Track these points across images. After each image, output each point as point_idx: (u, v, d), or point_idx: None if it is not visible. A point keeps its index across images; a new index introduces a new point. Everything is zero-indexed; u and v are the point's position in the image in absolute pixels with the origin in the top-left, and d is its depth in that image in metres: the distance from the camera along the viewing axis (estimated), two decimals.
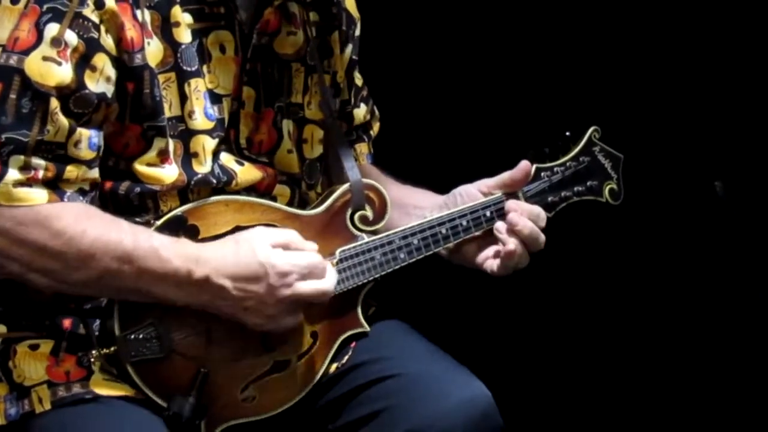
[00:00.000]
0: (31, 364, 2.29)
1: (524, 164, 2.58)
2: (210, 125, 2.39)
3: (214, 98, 2.40)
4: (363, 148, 2.76)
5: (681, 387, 3.85)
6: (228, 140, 2.42)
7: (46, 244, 2.19)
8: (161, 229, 2.30)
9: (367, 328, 2.51)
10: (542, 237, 2.54)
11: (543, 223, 2.56)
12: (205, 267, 2.27)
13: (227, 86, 2.42)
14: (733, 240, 3.76)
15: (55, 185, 2.22)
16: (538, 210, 2.56)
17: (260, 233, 2.34)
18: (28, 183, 2.19)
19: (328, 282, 2.37)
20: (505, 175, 2.59)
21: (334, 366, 2.50)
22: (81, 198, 2.25)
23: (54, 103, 2.20)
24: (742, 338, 3.80)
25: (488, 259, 2.57)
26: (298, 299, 2.33)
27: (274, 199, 2.46)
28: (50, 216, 2.20)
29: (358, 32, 2.68)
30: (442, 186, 2.67)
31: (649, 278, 3.88)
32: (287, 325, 2.35)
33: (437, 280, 3.41)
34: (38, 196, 2.20)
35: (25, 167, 2.19)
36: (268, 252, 2.31)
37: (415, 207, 2.64)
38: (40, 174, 2.20)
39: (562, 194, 2.65)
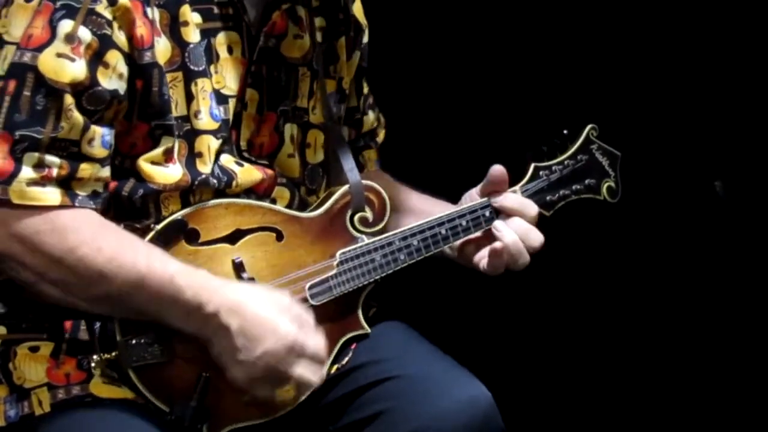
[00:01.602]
0: (32, 366, 2.29)
1: (493, 169, 2.57)
2: (215, 126, 2.39)
3: (221, 99, 2.40)
4: (371, 154, 2.77)
5: (681, 387, 3.86)
6: (229, 141, 2.42)
7: (62, 256, 2.19)
8: (161, 234, 2.30)
9: (367, 329, 2.51)
10: (533, 232, 2.54)
11: (533, 213, 2.55)
12: (218, 301, 2.24)
13: (234, 87, 2.42)
14: (733, 240, 3.76)
15: (68, 185, 2.21)
16: (526, 202, 2.57)
17: (286, 296, 2.33)
18: (42, 182, 2.19)
19: (317, 377, 2.32)
20: (484, 182, 2.59)
21: (334, 367, 2.50)
22: (92, 203, 2.24)
23: (68, 99, 2.19)
24: (742, 338, 3.80)
25: (483, 259, 2.57)
26: (288, 375, 2.28)
27: (273, 201, 2.46)
28: (67, 227, 2.19)
29: (366, 40, 2.68)
30: (441, 184, 2.67)
31: (648, 278, 3.89)
32: (259, 392, 2.30)
33: (438, 281, 3.42)
34: (51, 196, 2.19)
35: (39, 165, 2.18)
36: (286, 321, 2.28)
37: (429, 214, 2.60)
38: (54, 172, 2.19)
39: (561, 193, 2.65)
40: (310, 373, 2.31)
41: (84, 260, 2.19)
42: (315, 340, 2.31)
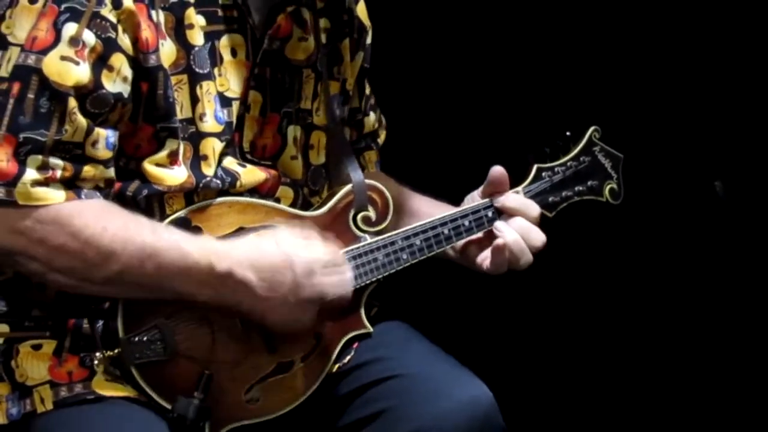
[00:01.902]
0: (34, 364, 2.29)
1: (493, 170, 2.57)
2: (219, 128, 2.39)
3: (225, 101, 2.40)
4: (372, 156, 2.78)
5: (681, 387, 3.86)
6: (232, 143, 2.42)
7: (66, 243, 2.19)
8: None
9: (370, 329, 2.51)
10: (535, 232, 2.54)
11: (535, 213, 2.56)
12: (228, 260, 2.26)
13: (237, 90, 2.42)
14: (733, 240, 3.76)
15: (72, 184, 2.22)
16: (528, 202, 2.57)
17: (282, 229, 2.35)
18: (46, 182, 2.19)
19: (349, 275, 2.38)
20: (486, 182, 2.59)
21: (336, 366, 2.50)
22: (98, 194, 2.24)
23: (72, 102, 2.19)
24: (742, 338, 3.80)
25: (486, 259, 2.57)
26: (320, 295, 2.33)
27: (277, 200, 2.46)
28: (70, 214, 2.19)
29: (369, 41, 2.68)
30: (443, 186, 2.67)
31: (649, 278, 3.89)
32: (304, 325, 2.35)
33: (440, 281, 3.41)
34: (56, 195, 2.19)
35: (42, 167, 2.18)
36: (291, 245, 2.31)
37: (430, 216, 2.61)
38: (58, 174, 2.19)
39: (563, 194, 2.65)
40: (340, 279, 2.36)
41: (90, 242, 2.19)
42: (324, 249, 2.35)
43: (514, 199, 2.57)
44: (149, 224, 2.26)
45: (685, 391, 3.85)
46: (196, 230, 2.33)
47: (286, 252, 2.30)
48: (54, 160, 2.19)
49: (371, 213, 2.52)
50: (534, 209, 2.57)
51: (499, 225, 2.54)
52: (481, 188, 2.59)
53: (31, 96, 2.18)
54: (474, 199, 2.60)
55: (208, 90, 2.37)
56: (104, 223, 2.21)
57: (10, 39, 2.21)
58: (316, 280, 2.32)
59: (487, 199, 2.58)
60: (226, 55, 2.40)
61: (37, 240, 2.18)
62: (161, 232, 2.25)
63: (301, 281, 2.30)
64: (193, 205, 2.35)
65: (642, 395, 3.88)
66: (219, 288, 2.27)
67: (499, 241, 2.52)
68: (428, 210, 2.64)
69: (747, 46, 3.75)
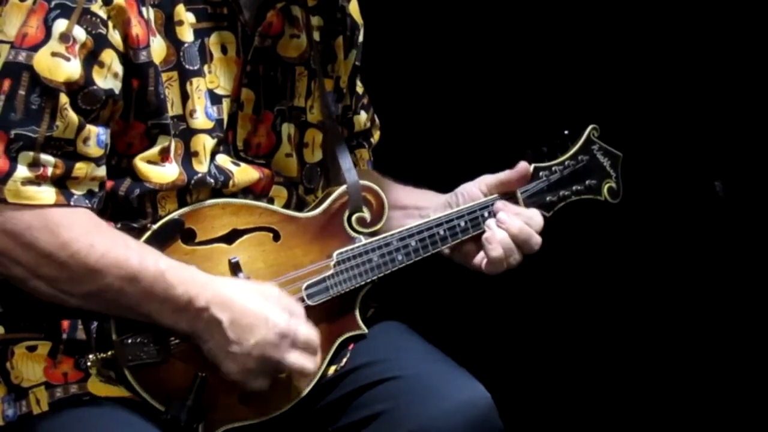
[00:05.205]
0: (29, 366, 2.29)
1: (522, 166, 2.59)
2: (210, 125, 2.39)
3: (214, 98, 2.40)
4: (363, 154, 2.78)
5: (681, 387, 3.85)
6: (226, 142, 2.42)
7: (53, 252, 2.19)
8: (158, 233, 2.30)
9: (365, 330, 2.51)
10: (535, 238, 2.53)
11: (537, 226, 2.55)
12: (210, 297, 2.25)
13: (227, 87, 2.42)
14: (733, 240, 3.76)
15: (63, 184, 2.22)
16: (531, 212, 2.56)
17: (272, 290, 2.33)
18: (37, 181, 2.19)
19: (313, 365, 2.33)
20: (503, 175, 2.59)
21: (332, 368, 2.50)
22: (88, 202, 2.24)
23: (63, 98, 2.20)
24: (742, 338, 3.80)
25: (484, 259, 2.56)
26: (279, 366, 2.30)
27: (271, 200, 2.46)
28: (60, 224, 2.19)
29: (361, 38, 2.68)
30: (442, 186, 2.67)
31: (648, 278, 3.88)
32: (254, 385, 2.31)
33: (436, 282, 3.41)
34: (46, 195, 2.19)
35: (34, 164, 2.18)
36: (274, 308, 2.29)
37: (417, 208, 2.64)
38: (49, 171, 2.20)
39: (561, 193, 2.65)
40: (305, 361, 2.31)
41: (76, 256, 2.19)
42: (306, 328, 2.32)
43: (518, 214, 2.56)
44: (137, 247, 2.25)
45: (684, 391, 3.85)
46: (189, 232, 2.33)
47: (266, 313, 2.28)
48: (45, 157, 2.19)
49: (366, 214, 2.51)
50: (537, 221, 2.56)
51: (491, 224, 2.54)
52: (483, 179, 2.59)
53: (22, 92, 2.18)
54: (470, 192, 2.59)
55: (198, 86, 2.37)
56: (92, 239, 2.21)
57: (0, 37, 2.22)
58: (284, 348, 2.29)
59: (485, 199, 2.57)
60: (216, 53, 2.41)
61: (25, 244, 2.18)
62: (148, 259, 2.24)
63: (271, 341, 2.27)
64: (185, 204, 2.35)
65: (641, 395, 3.88)
66: (193, 322, 2.26)
67: (487, 234, 2.51)
68: (415, 202, 2.64)
69: (747, 46, 3.74)
